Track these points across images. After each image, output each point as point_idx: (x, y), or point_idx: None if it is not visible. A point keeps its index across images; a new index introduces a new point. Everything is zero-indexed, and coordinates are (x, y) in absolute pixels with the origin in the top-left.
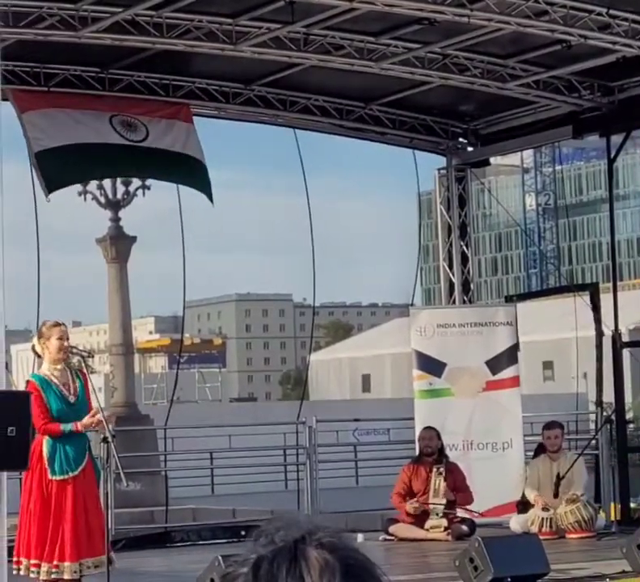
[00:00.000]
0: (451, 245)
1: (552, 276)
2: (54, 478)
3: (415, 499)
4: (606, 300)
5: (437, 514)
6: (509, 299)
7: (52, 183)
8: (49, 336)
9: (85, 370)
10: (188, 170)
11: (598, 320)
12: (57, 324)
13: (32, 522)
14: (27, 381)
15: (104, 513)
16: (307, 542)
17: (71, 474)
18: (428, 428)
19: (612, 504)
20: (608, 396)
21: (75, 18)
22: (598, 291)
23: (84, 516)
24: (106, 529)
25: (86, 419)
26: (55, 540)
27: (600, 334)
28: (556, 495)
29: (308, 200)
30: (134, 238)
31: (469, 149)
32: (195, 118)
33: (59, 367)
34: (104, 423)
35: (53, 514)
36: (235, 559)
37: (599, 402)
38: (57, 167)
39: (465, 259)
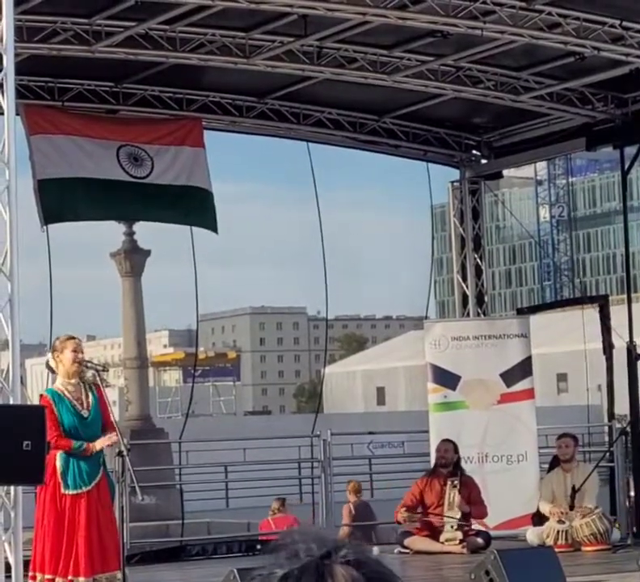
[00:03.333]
0: (465, 257)
1: (566, 288)
2: (67, 492)
3: (416, 511)
4: (621, 311)
5: (452, 527)
6: (520, 311)
7: (49, 216)
8: (63, 349)
9: (99, 383)
10: (191, 206)
11: (608, 332)
12: (71, 337)
13: (46, 537)
14: (40, 396)
15: (119, 528)
16: (333, 559)
17: (85, 489)
18: (446, 440)
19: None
20: (624, 408)
21: (89, 32)
22: (608, 303)
23: (97, 531)
24: (121, 544)
25: (99, 443)
26: (69, 554)
27: (609, 346)
28: (571, 508)
29: (319, 213)
30: (148, 252)
31: (483, 161)
32: (208, 132)
33: (73, 381)
34: (119, 437)
35: (67, 529)
36: (259, 573)
37: (610, 415)
38: (57, 201)
39: (478, 272)
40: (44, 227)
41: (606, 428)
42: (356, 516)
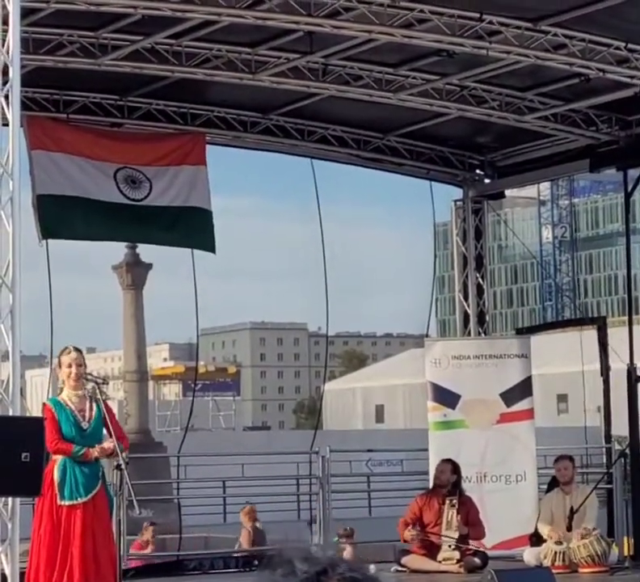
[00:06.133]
0: (466, 276)
1: (567, 309)
2: (63, 503)
3: (417, 529)
4: (622, 333)
5: (450, 546)
6: (520, 331)
7: (47, 232)
8: (61, 364)
9: (99, 397)
10: (189, 227)
11: (605, 354)
12: (68, 352)
13: (42, 548)
14: (43, 404)
15: (116, 543)
16: (329, 576)
17: (80, 500)
18: (446, 460)
19: (626, 539)
20: (622, 430)
21: (95, 45)
22: (606, 324)
23: (92, 543)
24: (118, 558)
25: (98, 449)
26: (64, 565)
27: (606, 368)
28: (569, 529)
29: (321, 229)
30: (150, 265)
31: (486, 181)
32: (212, 146)
33: (78, 393)
34: (117, 450)
35: (62, 540)
36: None
37: (607, 436)
38: (55, 217)
39: (480, 291)
40: (42, 241)
41: (608, 450)
42: (255, 540)
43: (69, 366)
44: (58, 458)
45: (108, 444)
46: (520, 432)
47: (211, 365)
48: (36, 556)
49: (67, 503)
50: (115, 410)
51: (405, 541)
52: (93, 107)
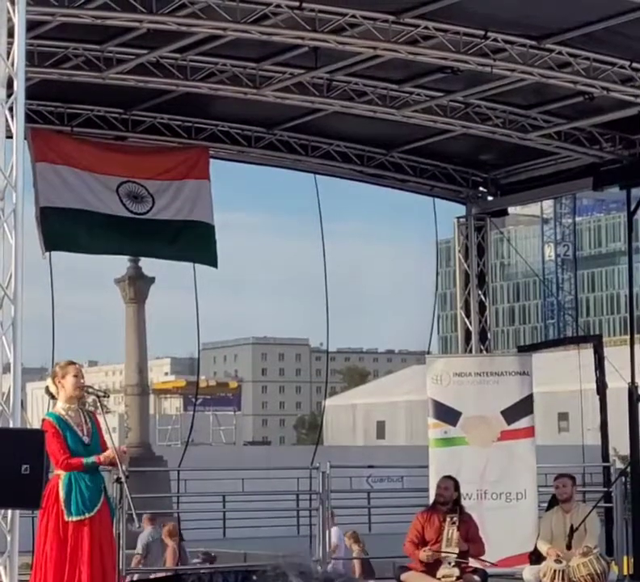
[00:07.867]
0: (468, 293)
1: (569, 327)
2: (71, 519)
3: (428, 547)
4: (623, 352)
5: (449, 563)
6: (521, 349)
7: (50, 244)
8: (65, 374)
9: (97, 412)
10: (191, 241)
11: (601, 372)
12: (73, 363)
13: (48, 565)
14: (43, 420)
15: (117, 554)
16: None
17: (87, 515)
18: (447, 477)
19: (625, 558)
20: (625, 449)
21: (100, 59)
22: (601, 343)
23: (100, 558)
24: (117, 571)
25: (109, 453)
26: (72, 581)
27: (603, 386)
28: (569, 547)
29: (323, 245)
30: (152, 279)
31: (489, 198)
32: (215, 161)
33: (73, 407)
34: (118, 463)
35: (70, 556)
36: None
37: (604, 455)
38: (59, 230)
39: (482, 308)
40: (46, 254)
41: (607, 469)
42: (181, 558)
43: (76, 376)
44: (62, 473)
45: (111, 452)
46: (520, 450)
47: (212, 380)
48: (42, 572)
49: (74, 519)
50: (115, 423)
51: (421, 561)
52: (97, 120)
